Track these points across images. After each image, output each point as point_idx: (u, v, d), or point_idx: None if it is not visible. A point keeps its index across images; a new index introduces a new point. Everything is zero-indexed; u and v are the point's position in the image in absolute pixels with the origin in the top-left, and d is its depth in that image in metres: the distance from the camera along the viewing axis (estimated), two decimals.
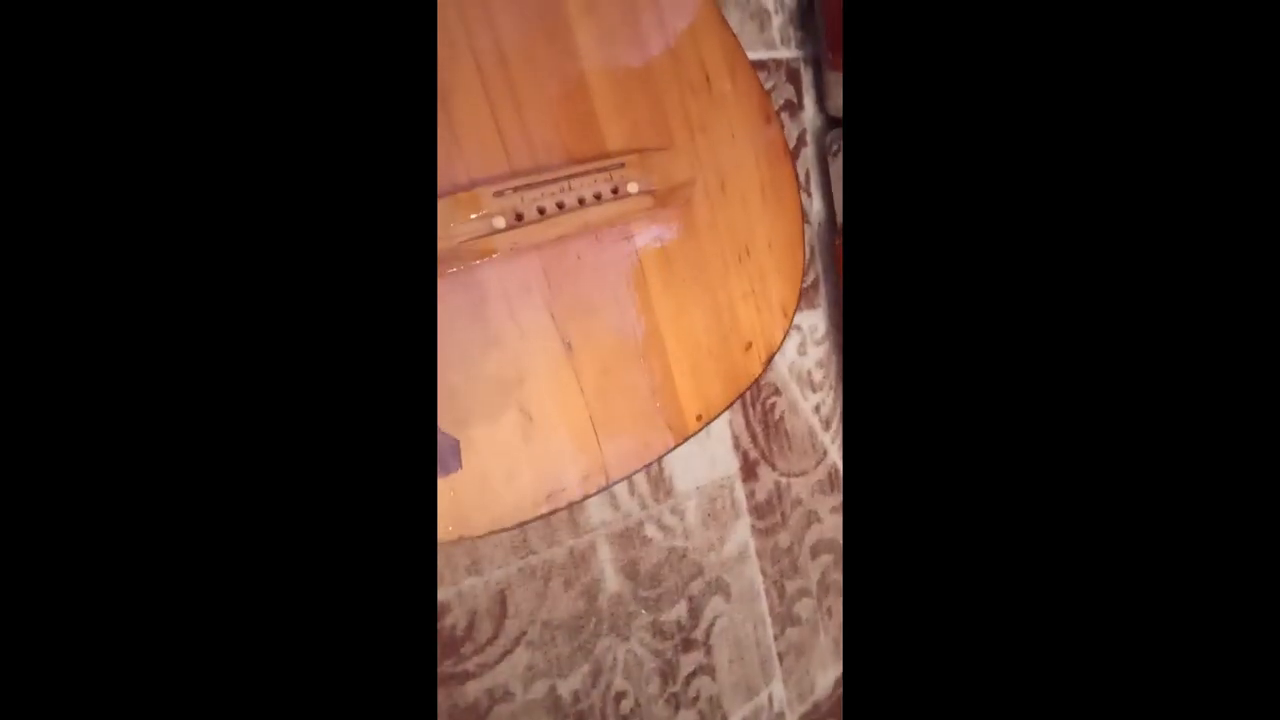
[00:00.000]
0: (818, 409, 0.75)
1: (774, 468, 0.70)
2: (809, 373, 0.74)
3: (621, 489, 0.58)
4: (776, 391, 0.71)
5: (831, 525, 0.77)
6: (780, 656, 0.72)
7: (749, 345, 0.51)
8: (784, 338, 0.53)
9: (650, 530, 0.60)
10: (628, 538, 0.58)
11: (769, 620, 0.70)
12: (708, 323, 0.48)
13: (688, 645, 0.63)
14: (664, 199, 0.42)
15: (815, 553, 0.75)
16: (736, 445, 0.67)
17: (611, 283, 0.41)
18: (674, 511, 0.62)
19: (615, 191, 0.40)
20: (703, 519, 0.64)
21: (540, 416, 0.39)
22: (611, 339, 0.42)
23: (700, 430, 0.49)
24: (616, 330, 0.42)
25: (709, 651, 0.65)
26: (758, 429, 0.69)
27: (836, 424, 0.77)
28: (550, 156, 0.38)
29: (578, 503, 0.43)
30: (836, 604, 0.78)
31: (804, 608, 0.74)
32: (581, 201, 0.38)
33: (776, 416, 0.71)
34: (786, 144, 0.52)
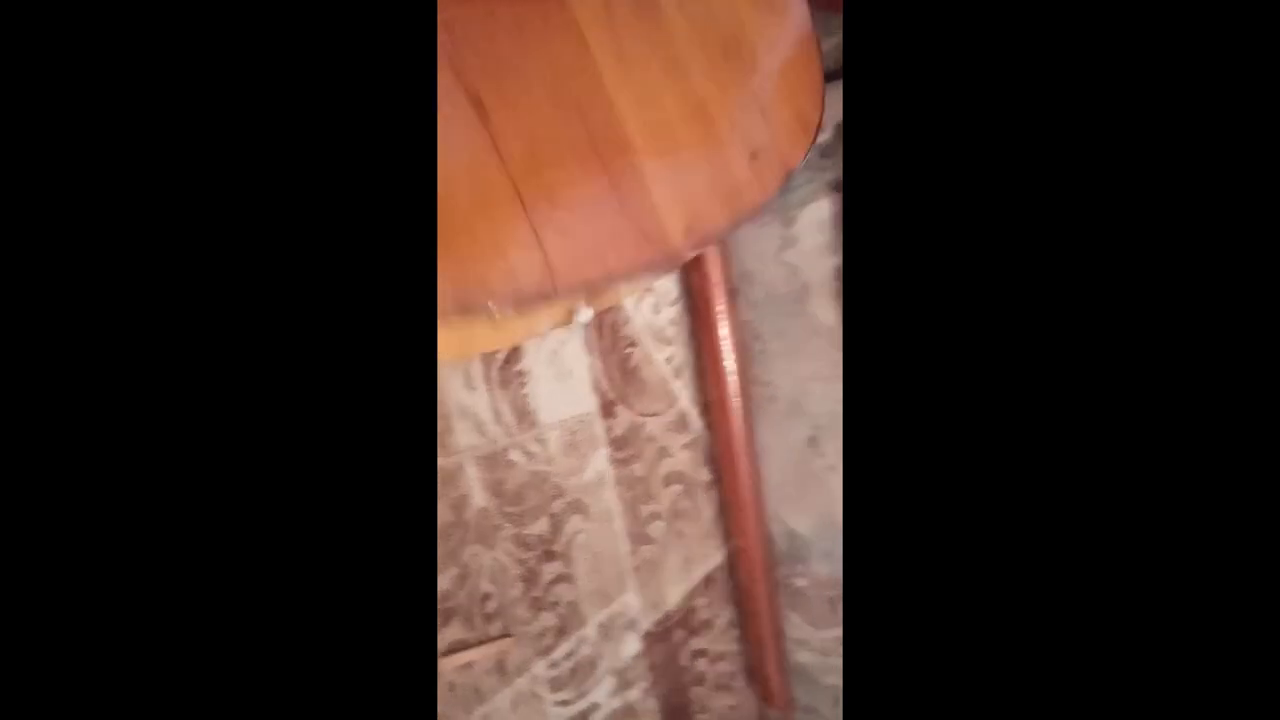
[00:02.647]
0: (669, 360, 0.87)
1: (630, 408, 0.82)
2: (662, 329, 0.86)
3: (488, 417, 0.67)
4: (633, 343, 0.82)
5: (681, 460, 0.89)
6: (635, 570, 0.83)
7: (754, 155, 0.43)
8: (804, 155, 0.45)
9: (515, 455, 0.70)
10: (494, 460, 0.68)
11: (624, 538, 0.82)
12: (684, 114, 0.39)
13: (549, 556, 0.73)
14: None
15: (667, 482, 0.87)
16: (596, 387, 0.78)
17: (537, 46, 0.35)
18: (538, 440, 0.72)
19: None
20: (564, 448, 0.74)
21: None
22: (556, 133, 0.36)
23: (693, 254, 0.40)
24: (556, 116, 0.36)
25: (569, 562, 0.75)
26: (615, 374, 0.80)
27: (687, 374, 0.90)
28: None
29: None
30: (686, 527, 0.90)
31: (656, 529, 0.86)
32: None
33: (632, 364, 0.82)
34: None
